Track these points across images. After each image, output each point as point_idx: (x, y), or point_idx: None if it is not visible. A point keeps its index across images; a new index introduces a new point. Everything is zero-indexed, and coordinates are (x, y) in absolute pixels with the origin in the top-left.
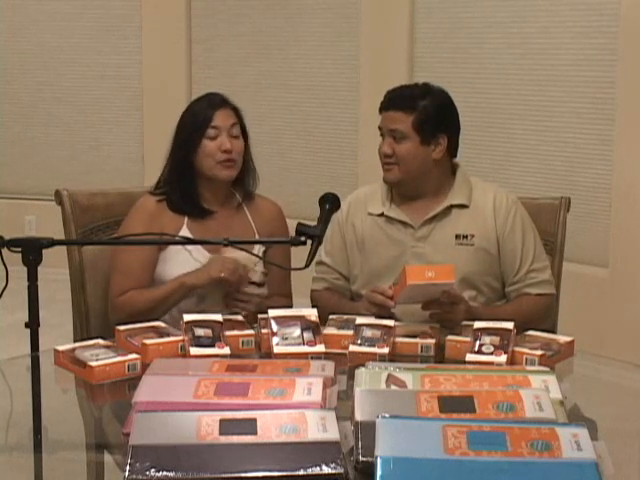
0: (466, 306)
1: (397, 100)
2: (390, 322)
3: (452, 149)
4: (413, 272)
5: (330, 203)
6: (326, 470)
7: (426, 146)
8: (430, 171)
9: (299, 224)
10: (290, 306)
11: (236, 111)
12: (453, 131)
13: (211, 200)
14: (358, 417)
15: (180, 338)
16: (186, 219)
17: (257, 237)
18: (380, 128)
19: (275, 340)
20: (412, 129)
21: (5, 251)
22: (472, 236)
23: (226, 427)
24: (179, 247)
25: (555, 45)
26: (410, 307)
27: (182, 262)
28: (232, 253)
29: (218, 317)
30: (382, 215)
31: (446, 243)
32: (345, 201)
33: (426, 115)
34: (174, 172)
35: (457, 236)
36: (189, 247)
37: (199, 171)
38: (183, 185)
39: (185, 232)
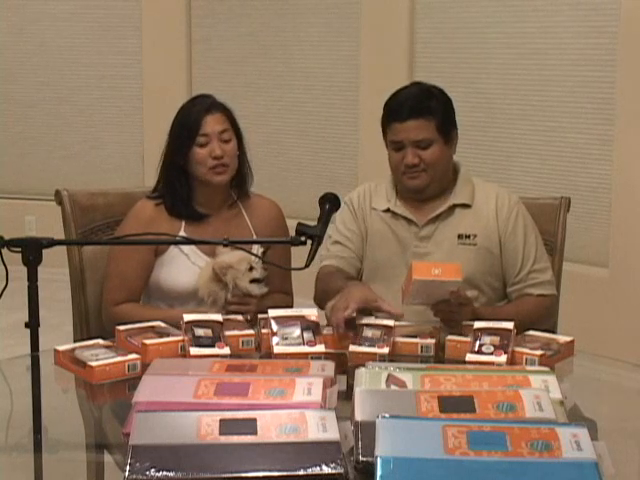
0: (472, 308)
1: (414, 108)
2: (390, 322)
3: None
4: (419, 268)
5: (330, 203)
6: (326, 470)
7: (448, 146)
8: (449, 169)
9: (299, 224)
10: (291, 304)
11: (227, 113)
12: (456, 123)
13: (207, 204)
14: (358, 417)
15: (180, 338)
16: (183, 224)
17: (255, 237)
18: (396, 141)
19: (275, 340)
20: (437, 133)
21: (5, 251)
22: (474, 236)
23: (226, 427)
24: (176, 251)
25: (555, 45)
26: (410, 307)
27: (180, 266)
28: (230, 253)
29: (218, 317)
30: (388, 211)
31: (449, 243)
32: (353, 192)
33: (444, 114)
34: (168, 177)
35: (459, 236)
36: (187, 251)
37: (192, 176)
38: (177, 190)
39: (183, 235)
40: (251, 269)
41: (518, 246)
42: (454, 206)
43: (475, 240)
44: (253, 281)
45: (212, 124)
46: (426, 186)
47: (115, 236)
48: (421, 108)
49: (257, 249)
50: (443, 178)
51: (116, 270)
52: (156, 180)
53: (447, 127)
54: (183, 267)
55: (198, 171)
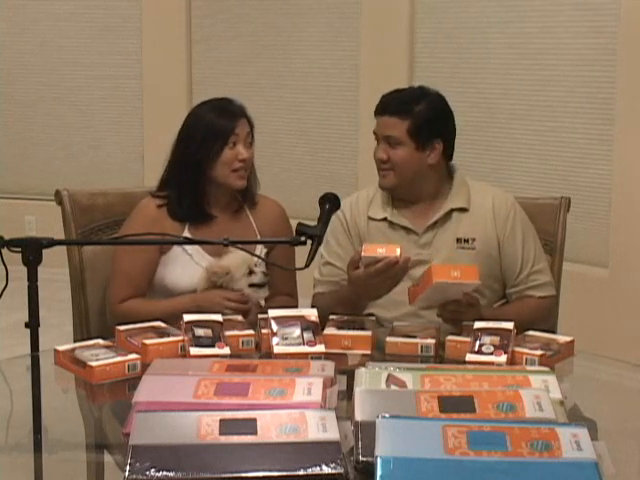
0: (478, 308)
1: (391, 105)
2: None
3: (448, 153)
4: (438, 271)
5: (330, 203)
6: (326, 470)
7: (421, 152)
8: (426, 176)
9: (299, 224)
10: (296, 305)
11: (250, 119)
12: (448, 136)
13: (214, 204)
14: (358, 417)
15: (180, 338)
16: (187, 224)
17: (259, 238)
18: (375, 133)
19: (275, 340)
20: (407, 135)
21: (5, 251)
22: (473, 240)
23: (226, 427)
24: (180, 251)
25: (555, 45)
26: (409, 307)
27: (183, 266)
28: (233, 254)
29: (218, 317)
30: (385, 220)
31: (447, 248)
32: (345, 202)
33: (421, 121)
34: (182, 177)
35: (458, 240)
36: (190, 251)
37: (210, 178)
38: (192, 192)
39: (186, 236)
40: (250, 273)
41: (517, 248)
42: (451, 211)
43: (474, 244)
44: (251, 285)
45: (242, 127)
46: (394, 186)
47: (116, 236)
48: (399, 108)
49: (260, 249)
50: (418, 184)
51: (121, 270)
52: (160, 179)
53: (423, 133)
54: (187, 266)
55: (221, 173)
